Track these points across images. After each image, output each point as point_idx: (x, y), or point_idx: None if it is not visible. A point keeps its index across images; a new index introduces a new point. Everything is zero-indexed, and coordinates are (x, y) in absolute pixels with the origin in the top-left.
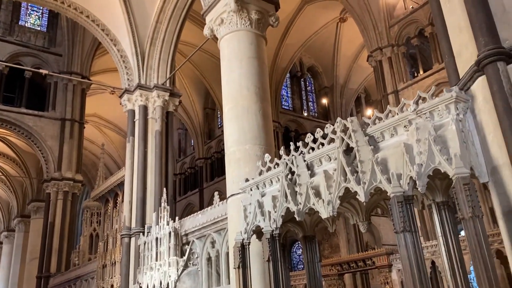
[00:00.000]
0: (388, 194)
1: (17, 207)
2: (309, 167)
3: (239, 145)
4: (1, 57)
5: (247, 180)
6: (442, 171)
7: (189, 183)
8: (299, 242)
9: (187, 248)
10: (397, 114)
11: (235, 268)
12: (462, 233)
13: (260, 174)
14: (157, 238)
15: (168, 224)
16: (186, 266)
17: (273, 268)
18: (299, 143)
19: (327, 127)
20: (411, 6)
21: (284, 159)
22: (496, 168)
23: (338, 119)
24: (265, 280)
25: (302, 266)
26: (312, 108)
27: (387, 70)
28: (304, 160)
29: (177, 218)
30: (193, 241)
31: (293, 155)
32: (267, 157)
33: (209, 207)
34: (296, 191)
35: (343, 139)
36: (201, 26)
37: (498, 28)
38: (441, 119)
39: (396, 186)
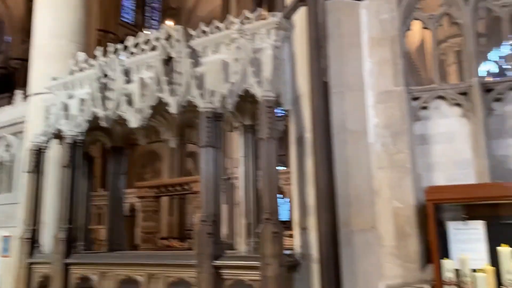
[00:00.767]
0: (200, 109)
1: None
2: (126, 73)
3: (54, 39)
4: None
5: (54, 79)
6: (251, 93)
7: None
8: None
9: None
10: (222, 31)
11: (28, 173)
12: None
13: (71, 74)
14: None
15: None
16: None
17: (71, 176)
18: (119, 46)
19: (150, 33)
20: None
21: (100, 60)
22: (298, 97)
23: (163, 25)
24: (62, 189)
25: None
26: (155, 27)
27: (234, 4)
28: (122, 65)
29: None
30: None
31: (110, 57)
32: (81, 55)
33: (8, 106)
34: (107, 96)
35: (165, 48)
36: None
37: None
38: (261, 43)
39: (207, 102)
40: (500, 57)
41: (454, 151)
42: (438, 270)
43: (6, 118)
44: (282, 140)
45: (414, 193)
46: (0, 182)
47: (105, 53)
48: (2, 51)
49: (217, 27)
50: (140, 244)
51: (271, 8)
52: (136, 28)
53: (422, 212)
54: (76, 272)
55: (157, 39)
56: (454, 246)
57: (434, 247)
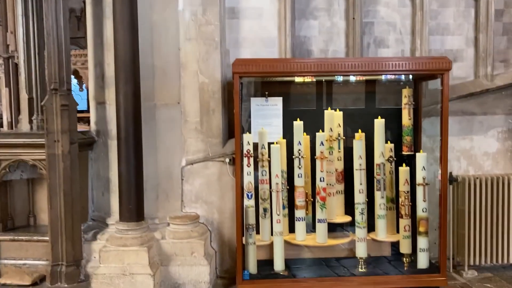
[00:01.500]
0: None
1: None
2: None
3: None
4: None
5: None
6: None
7: None
8: None
9: None
10: None
11: None
12: None
13: None
14: None
15: None
16: None
17: None
18: None
19: None
20: None
21: None
22: None
23: None
24: None
25: None
26: None
27: None
28: None
29: None
30: None
31: None
32: None
33: None
34: None
35: None
36: None
37: None
38: None
39: None
40: None
41: (261, 28)
42: (239, 143)
43: None
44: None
45: (221, 68)
46: None
47: None
48: None
49: None
50: None
51: None
52: None
53: (227, 88)
54: None
55: None
56: (255, 121)
57: (237, 121)
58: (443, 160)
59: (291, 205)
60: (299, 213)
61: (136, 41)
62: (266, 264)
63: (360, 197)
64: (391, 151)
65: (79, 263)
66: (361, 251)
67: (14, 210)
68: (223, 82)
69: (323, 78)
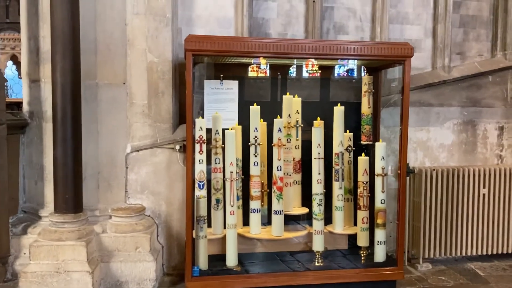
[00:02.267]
0: None
1: None
2: None
3: None
4: None
5: None
6: None
7: None
8: None
9: None
10: None
11: None
12: None
13: None
14: None
15: None
16: None
17: None
18: None
19: None
20: None
21: None
22: None
23: None
24: None
25: None
26: None
27: None
28: None
29: None
30: None
31: None
32: None
33: None
34: None
35: None
36: None
37: None
38: None
39: None
40: None
41: (217, 6)
42: (191, 127)
43: None
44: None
45: (172, 47)
46: None
47: None
48: None
49: None
50: None
51: None
52: None
53: (179, 70)
54: None
55: None
56: (209, 105)
57: (189, 102)
58: (403, 149)
59: (244, 196)
60: (254, 204)
61: (77, 11)
62: (217, 259)
63: (318, 188)
64: (350, 140)
65: (5, 260)
66: (318, 245)
67: None
68: (174, 62)
69: (281, 62)
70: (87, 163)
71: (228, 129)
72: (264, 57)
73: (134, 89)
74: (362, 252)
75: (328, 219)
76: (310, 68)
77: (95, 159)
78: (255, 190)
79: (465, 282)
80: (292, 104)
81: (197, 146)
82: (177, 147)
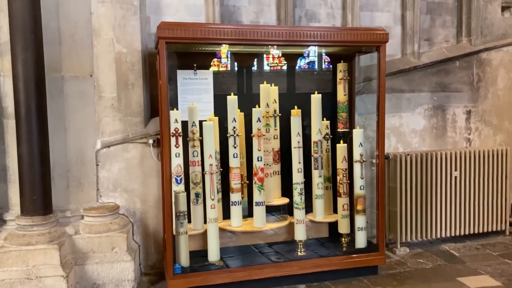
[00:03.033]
0: None
1: None
2: None
3: None
4: None
5: None
6: None
7: None
8: None
9: None
10: None
11: None
12: None
13: None
14: None
15: None
16: None
17: None
18: None
19: None
20: None
21: None
22: None
23: None
24: None
25: None
26: None
27: None
28: None
29: None
30: None
31: None
32: None
33: None
34: None
35: None
36: None
37: None
38: None
39: None
40: None
41: None
42: (166, 118)
43: None
44: None
45: (140, 36)
46: None
47: None
48: None
49: None
50: None
51: None
52: None
53: (149, 61)
54: None
55: None
56: (183, 96)
57: (164, 93)
58: (380, 135)
59: (223, 190)
60: (234, 196)
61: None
62: (199, 255)
63: (298, 177)
64: (327, 128)
65: None
66: (300, 234)
67: None
68: (144, 52)
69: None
70: (55, 161)
71: (204, 121)
72: (241, 44)
73: (102, 82)
74: (343, 239)
75: (307, 208)
76: (271, 61)
77: (64, 157)
78: (235, 182)
79: (443, 263)
80: (269, 93)
81: (173, 140)
82: (150, 141)
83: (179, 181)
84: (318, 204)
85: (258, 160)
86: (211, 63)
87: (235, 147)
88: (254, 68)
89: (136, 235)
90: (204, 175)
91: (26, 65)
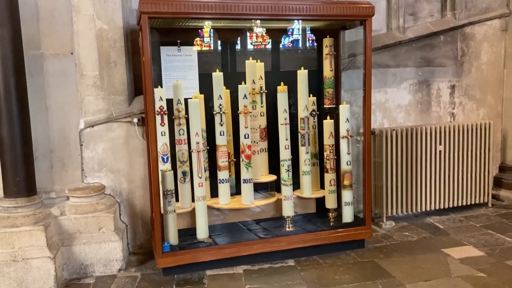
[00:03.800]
0: None
1: None
2: None
3: None
4: None
5: None
6: None
7: None
8: None
9: None
10: None
11: None
12: None
13: None
14: None
15: None
16: None
17: None
18: None
19: None
20: None
21: None
22: None
23: None
24: None
25: None
26: None
27: None
28: None
29: None
30: None
31: None
32: None
33: None
34: None
35: None
36: None
37: None
38: None
39: None
40: None
41: None
42: (151, 96)
43: None
44: None
45: (122, 13)
46: None
47: None
48: None
49: None
50: None
51: None
52: None
53: (131, 38)
54: None
55: None
56: (167, 74)
57: (148, 70)
58: (367, 111)
59: (209, 168)
60: (222, 174)
61: None
62: (187, 234)
63: (285, 153)
64: (314, 104)
65: None
66: (288, 210)
67: None
68: (126, 29)
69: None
70: (37, 141)
71: (190, 98)
72: (225, 18)
73: (84, 60)
74: (330, 214)
75: (295, 185)
76: (254, 39)
77: (46, 137)
78: (222, 160)
79: (428, 236)
80: (256, 69)
81: (158, 118)
82: (135, 120)
83: (165, 160)
84: (305, 180)
85: (245, 138)
86: (194, 43)
87: (221, 125)
88: (238, 46)
89: (123, 215)
90: (191, 153)
91: (3, 43)
